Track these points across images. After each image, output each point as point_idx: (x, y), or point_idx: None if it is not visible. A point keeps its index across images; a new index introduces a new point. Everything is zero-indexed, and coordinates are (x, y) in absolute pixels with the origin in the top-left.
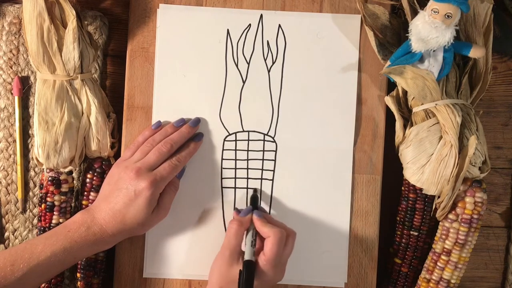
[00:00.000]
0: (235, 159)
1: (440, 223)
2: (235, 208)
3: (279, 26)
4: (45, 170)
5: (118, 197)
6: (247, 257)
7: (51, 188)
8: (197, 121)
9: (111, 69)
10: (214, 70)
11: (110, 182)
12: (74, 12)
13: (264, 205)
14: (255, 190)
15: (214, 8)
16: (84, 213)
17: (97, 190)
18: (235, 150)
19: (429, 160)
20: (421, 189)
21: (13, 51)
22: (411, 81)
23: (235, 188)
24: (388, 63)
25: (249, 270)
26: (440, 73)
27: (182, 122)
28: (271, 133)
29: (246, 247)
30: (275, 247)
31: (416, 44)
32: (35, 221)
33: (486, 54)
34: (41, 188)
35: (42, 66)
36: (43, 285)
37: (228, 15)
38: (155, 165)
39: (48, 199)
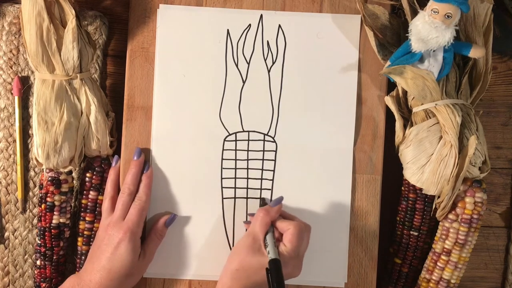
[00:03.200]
0: (235, 159)
1: (440, 223)
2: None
3: (279, 26)
4: (45, 170)
5: (101, 255)
6: (273, 256)
7: (51, 188)
8: (139, 152)
9: (111, 69)
10: (214, 70)
11: (94, 245)
12: (73, 11)
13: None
14: (263, 199)
15: (214, 8)
16: (73, 277)
17: (96, 189)
18: (235, 150)
19: (429, 160)
20: (421, 189)
21: (13, 51)
22: (411, 81)
23: (235, 188)
24: (388, 63)
25: (277, 268)
26: (440, 73)
27: (139, 152)
28: (271, 133)
29: (269, 247)
30: (295, 239)
31: (416, 44)
32: (35, 221)
33: (486, 54)
34: (41, 188)
35: (41, 66)
36: (43, 284)
37: (228, 15)
38: (125, 214)
39: (48, 199)
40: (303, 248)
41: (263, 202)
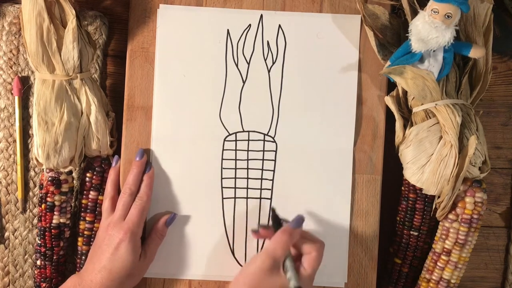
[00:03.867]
0: (235, 159)
1: (440, 223)
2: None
3: (279, 26)
4: (45, 170)
5: (102, 255)
6: (295, 284)
7: (51, 188)
8: (141, 153)
9: (111, 69)
10: (214, 70)
11: (95, 245)
12: (73, 11)
13: (264, 205)
14: (273, 209)
15: (214, 8)
16: (74, 277)
17: (96, 189)
18: (235, 150)
19: (429, 160)
20: (421, 189)
21: (13, 51)
22: (411, 81)
23: (235, 188)
24: (388, 63)
25: None
26: (440, 73)
27: (142, 153)
28: (271, 133)
29: (290, 273)
30: (317, 264)
31: (416, 44)
32: (35, 221)
33: (486, 54)
34: (41, 188)
35: (41, 66)
36: (43, 284)
37: (228, 15)
38: (125, 214)
39: (48, 199)
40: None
41: (273, 213)
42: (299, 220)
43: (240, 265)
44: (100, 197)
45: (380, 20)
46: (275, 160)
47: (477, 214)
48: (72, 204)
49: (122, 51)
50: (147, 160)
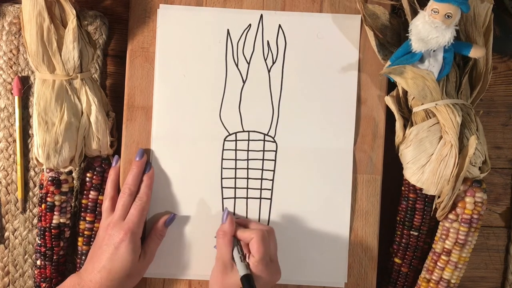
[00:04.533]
0: (235, 159)
1: (440, 223)
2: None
3: (279, 26)
4: (45, 170)
5: (102, 255)
6: (242, 272)
7: (51, 188)
8: (141, 153)
9: (111, 69)
10: (214, 70)
11: (95, 245)
12: (74, 11)
13: (264, 205)
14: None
15: (214, 8)
16: (73, 277)
17: (96, 189)
18: (235, 150)
19: (429, 160)
20: (421, 189)
21: (13, 51)
22: (411, 81)
23: (235, 188)
24: (388, 63)
25: (250, 283)
26: (440, 73)
27: (142, 153)
28: (271, 133)
29: (237, 264)
30: (261, 247)
31: (416, 44)
32: (35, 221)
33: (486, 54)
34: (41, 188)
35: (41, 66)
36: (43, 285)
37: (228, 15)
38: (125, 214)
39: (48, 199)
40: (272, 252)
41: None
42: (224, 214)
43: None
44: (100, 197)
45: (380, 20)
46: (275, 160)
47: (477, 214)
48: (72, 204)
49: (122, 51)
50: (147, 160)
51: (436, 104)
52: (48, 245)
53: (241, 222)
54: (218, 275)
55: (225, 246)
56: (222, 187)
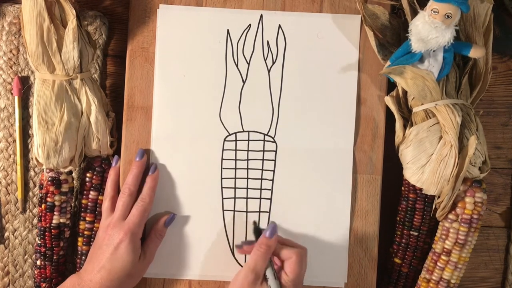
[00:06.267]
0: (235, 159)
1: (440, 223)
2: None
3: (279, 26)
4: (45, 170)
5: (101, 255)
6: None
7: (51, 188)
8: (142, 153)
9: (111, 69)
10: (214, 70)
11: (95, 245)
12: (74, 11)
13: (264, 205)
14: (254, 222)
15: (214, 8)
16: (73, 277)
17: (96, 189)
18: (235, 150)
19: (429, 160)
20: (421, 189)
21: (13, 51)
22: (411, 81)
23: (235, 188)
24: (388, 63)
25: None
26: (440, 73)
27: (142, 153)
28: (271, 133)
29: (270, 282)
30: (298, 268)
31: (416, 44)
32: (35, 221)
33: (486, 54)
34: (41, 188)
35: (41, 66)
36: (43, 285)
37: (228, 15)
38: (125, 215)
39: (48, 199)
40: (303, 273)
41: (255, 226)
42: (272, 228)
43: (240, 265)
44: (100, 197)
45: (380, 20)
46: (275, 160)
47: (477, 214)
48: (72, 204)
49: (122, 51)
50: (152, 162)
51: (436, 104)
52: (48, 245)
53: (280, 240)
54: (245, 284)
55: (263, 260)
56: (222, 187)
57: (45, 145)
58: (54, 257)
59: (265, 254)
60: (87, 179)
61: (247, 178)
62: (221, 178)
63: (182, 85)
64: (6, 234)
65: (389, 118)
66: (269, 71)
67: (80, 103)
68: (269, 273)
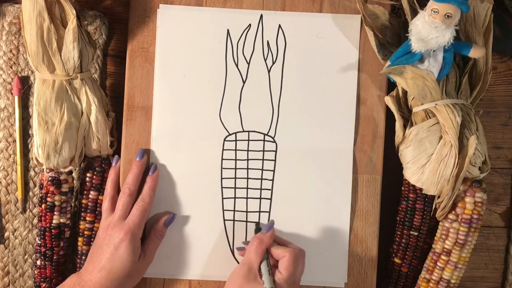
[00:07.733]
0: (235, 159)
1: (440, 223)
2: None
3: (279, 26)
4: (45, 170)
5: (101, 255)
6: (268, 285)
7: (51, 188)
8: (142, 153)
9: (111, 69)
10: (214, 70)
11: (95, 245)
12: (74, 11)
13: (264, 205)
14: (257, 224)
15: (214, 8)
16: (73, 277)
17: (97, 189)
18: (235, 150)
19: (429, 160)
20: (421, 189)
21: (13, 51)
22: (411, 81)
23: (235, 188)
24: (388, 63)
25: None
26: (440, 73)
27: (142, 153)
28: (271, 133)
29: (264, 276)
30: (291, 266)
31: (416, 44)
32: (35, 221)
33: (486, 54)
34: (41, 188)
35: (41, 66)
36: (43, 285)
37: (228, 15)
38: (125, 214)
39: (48, 199)
40: (299, 274)
41: (257, 227)
42: (269, 225)
43: None
44: (100, 197)
45: (380, 20)
46: (275, 160)
47: (477, 214)
48: (72, 204)
49: (122, 51)
50: (152, 162)
51: (436, 104)
52: (48, 245)
53: (276, 240)
54: (239, 278)
55: (256, 254)
56: (222, 187)
57: (45, 145)
58: (54, 257)
59: (258, 248)
60: (87, 179)
61: (247, 178)
62: (221, 178)
63: (182, 85)
64: (6, 234)
65: (389, 118)
66: (269, 71)
67: (80, 103)
68: (263, 269)
